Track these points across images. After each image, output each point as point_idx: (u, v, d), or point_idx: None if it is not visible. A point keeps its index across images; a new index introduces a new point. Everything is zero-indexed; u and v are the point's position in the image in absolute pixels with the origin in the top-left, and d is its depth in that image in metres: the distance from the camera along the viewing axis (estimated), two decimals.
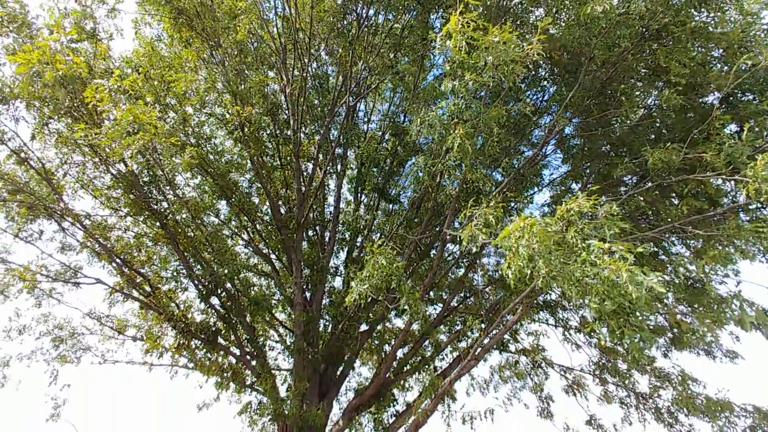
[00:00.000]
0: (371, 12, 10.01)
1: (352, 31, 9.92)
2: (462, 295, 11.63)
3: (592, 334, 11.01)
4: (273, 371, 10.10)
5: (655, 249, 9.03)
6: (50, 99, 8.06)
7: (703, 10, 7.16)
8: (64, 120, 8.80)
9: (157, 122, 6.70)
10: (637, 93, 8.43)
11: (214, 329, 9.80)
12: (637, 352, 4.05)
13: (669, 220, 7.15)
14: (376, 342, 12.49)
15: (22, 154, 8.97)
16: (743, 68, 6.73)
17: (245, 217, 11.18)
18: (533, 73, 9.09)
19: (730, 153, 5.38)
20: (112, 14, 9.20)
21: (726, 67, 7.41)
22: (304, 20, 10.22)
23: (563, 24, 8.04)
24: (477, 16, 5.05)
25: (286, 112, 11.43)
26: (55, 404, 10.24)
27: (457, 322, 12.19)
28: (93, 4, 8.90)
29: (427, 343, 12.12)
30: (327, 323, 11.41)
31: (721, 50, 7.68)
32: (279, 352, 12.57)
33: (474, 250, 10.60)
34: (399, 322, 13.32)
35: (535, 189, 10.80)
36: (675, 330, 9.35)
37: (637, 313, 4.13)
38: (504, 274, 4.49)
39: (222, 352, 9.98)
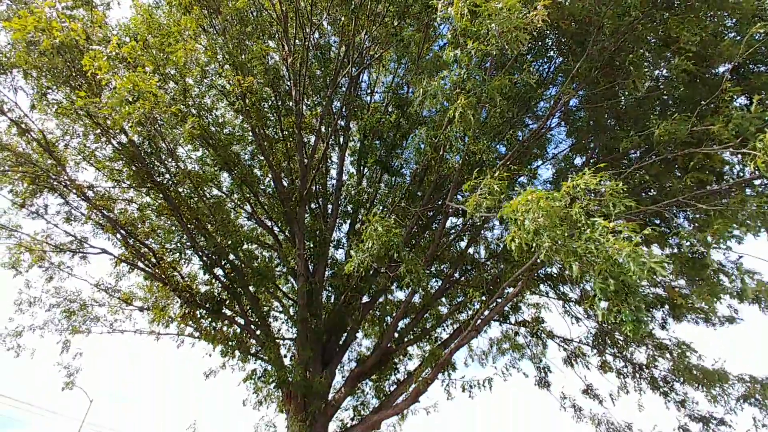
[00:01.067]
0: None
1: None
2: (463, 268, 11.71)
3: (591, 308, 11.12)
4: (277, 340, 10.31)
5: (657, 222, 9.02)
6: (48, 68, 7.95)
7: None
8: (63, 89, 8.70)
9: (157, 90, 6.63)
10: (646, 64, 8.24)
11: (218, 299, 9.96)
12: (632, 332, 4.09)
13: (673, 194, 7.10)
14: (378, 313, 12.68)
15: (23, 125, 8.93)
16: (756, 38, 6.55)
17: (248, 189, 11.18)
18: (539, 43, 8.87)
19: (738, 124, 5.28)
20: None
21: (739, 37, 7.20)
22: None
23: None
24: None
25: (288, 83, 11.26)
26: (68, 372, 10.52)
27: (459, 295, 12.32)
28: None
29: (428, 314, 12.29)
30: (330, 294, 11.56)
31: (734, 20, 7.45)
32: (283, 322, 12.81)
33: (477, 221, 10.63)
34: (401, 295, 13.50)
35: (540, 162, 10.72)
36: (674, 302, 9.43)
37: (636, 294, 4.15)
38: (508, 246, 4.51)
39: (227, 322, 10.18)
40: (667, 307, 10.06)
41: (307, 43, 10.43)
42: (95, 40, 7.90)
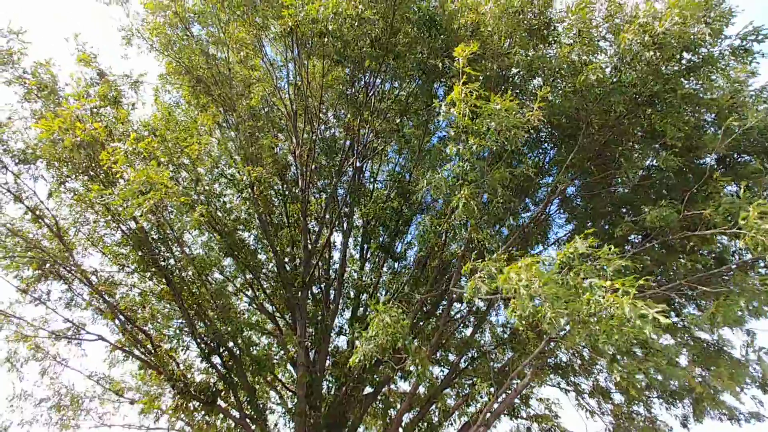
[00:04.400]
0: (378, 80, 10.61)
1: (360, 98, 10.47)
2: (470, 355, 11.33)
3: (607, 399, 10.57)
4: None
5: (667, 309, 8.88)
6: (69, 160, 8.44)
7: (691, 78, 7.57)
8: (80, 179, 9.14)
9: (168, 182, 6.95)
10: (636, 155, 8.70)
11: (213, 390, 9.53)
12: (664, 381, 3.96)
13: (675, 278, 7.12)
14: (381, 406, 12.01)
15: (38, 212, 9.23)
16: (738, 131, 7.00)
17: (250, 274, 11.20)
18: (534, 136, 9.44)
19: (728, 209, 5.48)
20: (135, 86, 9.84)
21: (720, 131, 7.70)
22: (314, 88, 10.83)
23: (560, 91, 8.47)
24: (478, 86, 5.38)
25: (295, 172, 11.80)
26: None
27: (465, 386, 11.77)
28: (118, 79, 9.56)
29: (434, 407, 11.63)
30: (330, 385, 11.05)
31: (713, 115, 8.02)
32: (280, 416, 12.07)
33: (482, 307, 10.49)
34: (405, 386, 12.87)
35: (541, 247, 10.83)
36: (693, 395, 8.97)
37: (655, 352, 4.06)
38: (509, 319, 4.49)
39: (221, 415, 9.63)
40: (688, 401, 9.55)
41: (314, 136, 11.12)
42: (116, 135, 8.46)
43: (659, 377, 4.00)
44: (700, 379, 8.96)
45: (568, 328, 4.19)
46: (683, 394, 9.40)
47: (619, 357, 4.19)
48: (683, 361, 9.05)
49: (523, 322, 4.33)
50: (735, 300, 6.00)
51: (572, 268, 4.49)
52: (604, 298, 3.93)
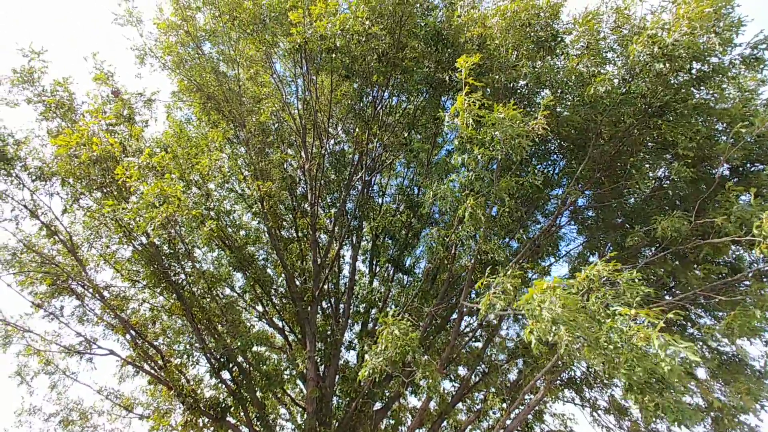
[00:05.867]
0: (386, 94, 10.71)
1: (368, 112, 10.56)
2: (481, 369, 11.15)
3: (624, 416, 10.28)
4: None
5: (683, 322, 8.70)
6: (84, 175, 8.61)
7: (702, 88, 7.51)
8: (94, 195, 9.30)
9: (181, 195, 7.05)
10: (647, 165, 8.62)
11: (223, 406, 9.48)
12: (676, 421, 3.81)
13: (690, 288, 6.97)
14: (392, 422, 11.82)
15: (52, 228, 9.39)
16: (749, 140, 6.90)
17: (260, 289, 11.21)
18: (542, 147, 9.41)
19: (740, 217, 5.38)
20: (149, 104, 10.06)
21: (732, 140, 7.61)
22: (323, 103, 10.96)
23: (569, 103, 8.46)
24: (481, 96, 5.39)
25: (304, 186, 11.88)
26: None
27: (477, 401, 11.56)
28: (131, 98, 9.80)
29: (445, 423, 11.42)
30: (340, 400, 10.93)
31: (724, 124, 7.92)
32: None
33: (494, 321, 10.35)
34: (415, 401, 12.69)
35: (552, 259, 10.70)
36: (713, 413, 8.69)
37: (672, 389, 3.93)
38: (527, 340, 4.37)
39: (230, 431, 9.56)
40: (708, 419, 9.23)
41: (323, 150, 11.21)
42: (130, 151, 8.62)
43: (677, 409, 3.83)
44: (719, 394, 8.70)
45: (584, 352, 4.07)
46: (703, 413, 9.11)
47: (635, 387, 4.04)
48: (701, 374, 8.82)
49: (540, 344, 4.22)
50: (752, 311, 5.85)
51: (592, 291, 4.39)
52: (628, 327, 3.82)
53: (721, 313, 8.29)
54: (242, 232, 11.80)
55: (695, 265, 7.66)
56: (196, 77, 10.64)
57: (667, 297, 8.29)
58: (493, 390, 10.28)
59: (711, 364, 8.40)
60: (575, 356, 4.04)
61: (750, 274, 6.79)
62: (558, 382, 9.94)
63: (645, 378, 3.76)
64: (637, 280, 4.46)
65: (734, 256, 7.18)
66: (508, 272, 5.52)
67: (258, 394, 9.89)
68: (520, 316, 10.56)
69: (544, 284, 4.23)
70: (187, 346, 10.59)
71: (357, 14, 8.35)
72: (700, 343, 8.78)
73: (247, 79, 11.54)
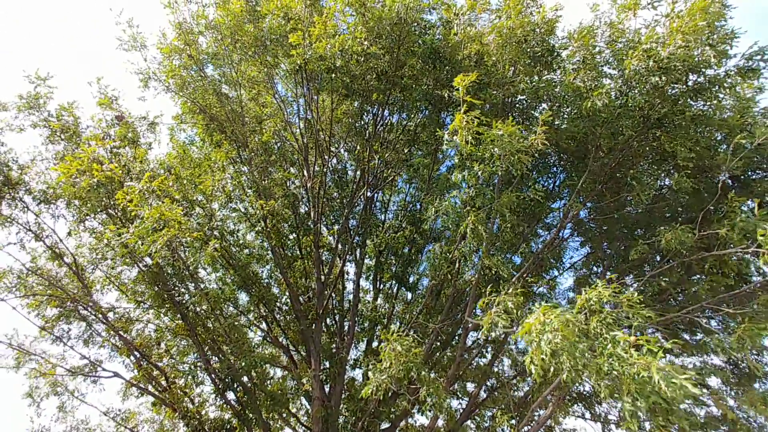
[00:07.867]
0: (386, 112, 10.82)
1: (369, 130, 10.66)
2: (489, 385, 11.00)
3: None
4: None
5: (685, 330, 8.61)
6: (87, 199, 8.70)
7: (699, 99, 7.55)
8: (98, 218, 9.38)
9: (181, 218, 7.09)
10: (647, 176, 8.62)
11: (228, 427, 9.38)
12: None
13: (698, 299, 6.92)
14: None
15: (57, 251, 9.45)
16: (748, 148, 6.91)
17: (264, 308, 11.18)
18: (542, 161, 9.44)
19: (744, 228, 5.36)
20: (152, 127, 10.21)
21: (731, 150, 7.62)
22: (324, 122, 11.08)
23: (567, 117, 8.52)
24: (481, 114, 5.45)
25: (307, 204, 11.93)
26: None
27: (486, 418, 11.38)
28: (135, 121, 9.96)
29: None
30: (346, 419, 10.79)
31: (723, 134, 7.95)
32: None
33: (501, 336, 10.25)
34: (423, 419, 12.49)
35: (556, 272, 10.65)
36: (726, 424, 8.52)
37: (676, 413, 3.87)
38: (528, 370, 4.32)
39: None
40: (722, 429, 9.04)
41: (325, 168, 11.29)
42: (134, 173, 8.71)
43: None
44: (732, 402, 8.56)
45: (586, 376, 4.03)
46: (717, 424, 8.93)
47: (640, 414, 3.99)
48: (713, 382, 8.70)
49: (541, 372, 4.18)
50: (764, 323, 5.78)
51: (593, 312, 4.35)
52: (627, 353, 3.79)
53: (731, 322, 8.20)
54: (246, 251, 11.81)
55: (701, 276, 7.61)
56: (199, 99, 10.80)
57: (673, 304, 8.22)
58: (502, 407, 10.12)
59: (723, 375, 8.28)
60: (578, 380, 4.00)
61: (758, 285, 6.73)
62: (567, 397, 9.79)
63: (649, 405, 3.71)
64: (638, 303, 4.42)
65: (739, 265, 7.11)
66: (510, 290, 5.50)
67: (263, 414, 9.78)
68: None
69: (543, 312, 4.18)
70: (192, 367, 10.54)
71: (356, 35, 8.50)
72: (711, 355, 8.66)
73: (249, 99, 11.70)
